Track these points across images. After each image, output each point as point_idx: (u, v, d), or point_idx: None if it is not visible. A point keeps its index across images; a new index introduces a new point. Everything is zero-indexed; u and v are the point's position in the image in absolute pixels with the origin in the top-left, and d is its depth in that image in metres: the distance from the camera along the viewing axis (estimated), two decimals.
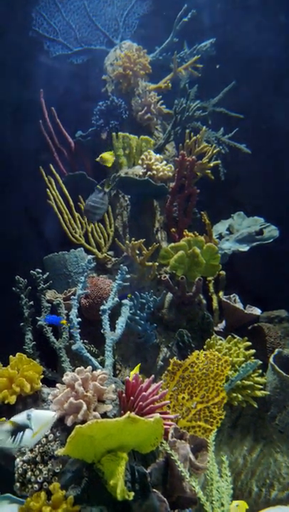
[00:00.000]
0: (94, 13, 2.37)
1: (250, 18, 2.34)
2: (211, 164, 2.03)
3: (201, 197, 2.00)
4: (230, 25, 2.36)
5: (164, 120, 2.33)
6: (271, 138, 2.31)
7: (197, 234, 1.92)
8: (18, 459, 1.19)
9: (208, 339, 1.68)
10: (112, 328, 1.55)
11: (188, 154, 2.00)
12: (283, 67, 2.32)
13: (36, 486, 1.14)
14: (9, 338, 1.78)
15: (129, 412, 1.00)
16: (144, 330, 1.76)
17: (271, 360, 1.59)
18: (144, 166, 2.00)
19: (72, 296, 1.59)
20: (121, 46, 2.36)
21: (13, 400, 1.31)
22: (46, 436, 1.18)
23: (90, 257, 1.78)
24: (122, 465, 1.03)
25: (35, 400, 1.36)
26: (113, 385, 1.28)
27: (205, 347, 1.66)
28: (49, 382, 1.51)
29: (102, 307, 1.56)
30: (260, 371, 1.61)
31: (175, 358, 1.51)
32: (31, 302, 1.76)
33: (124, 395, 1.28)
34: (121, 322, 1.57)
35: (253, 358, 1.59)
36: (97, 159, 1.98)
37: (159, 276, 1.90)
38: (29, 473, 1.15)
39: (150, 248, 1.83)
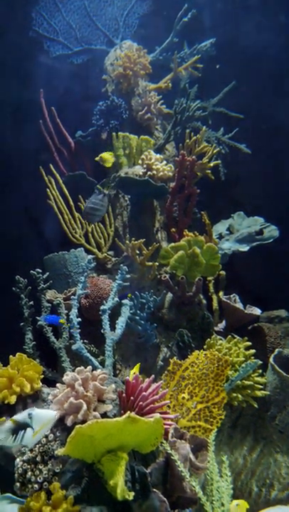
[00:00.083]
0: (94, 13, 2.37)
1: (250, 18, 2.34)
2: (211, 164, 2.03)
3: (201, 197, 2.00)
4: (230, 25, 2.36)
5: (164, 120, 2.33)
6: (271, 138, 2.31)
7: (197, 234, 1.92)
8: (18, 459, 1.19)
9: (208, 339, 1.68)
10: (112, 328, 1.55)
11: (189, 154, 2.00)
12: (283, 67, 2.32)
13: (36, 485, 1.14)
14: (9, 338, 1.78)
15: (129, 412, 1.00)
16: (144, 330, 1.76)
17: (271, 360, 1.59)
18: (144, 165, 2.00)
19: (72, 296, 1.59)
20: (121, 46, 2.36)
21: (13, 399, 1.31)
22: (46, 436, 1.18)
23: (90, 257, 1.78)
24: (122, 465, 1.03)
25: (35, 399, 1.36)
26: (113, 385, 1.28)
27: (205, 347, 1.66)
28: (49, 382, 1.51)
29: (102, 307, 1.56)
30: (260, 371, 1.61)
31: (175, 357, 1.51)
32: (31, 302, 1.76)
33: (124, 394, 1.28)
34: (121, 322, 1.57)
35: (253, 357, 1.59)
36: (97, 159, 1.98)
37: (159, 276, 1.90)
38: (29, 473, 1.15)
39: (150, 248, 1.83)
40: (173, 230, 2.01)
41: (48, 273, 1.84)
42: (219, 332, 1.88)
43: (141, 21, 2.40)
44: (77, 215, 2.04)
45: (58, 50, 2.38)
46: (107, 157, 1.98)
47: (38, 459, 1.17)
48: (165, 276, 1.80)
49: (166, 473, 1.19)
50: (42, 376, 1.41)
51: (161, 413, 1.26)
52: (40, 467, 1.15)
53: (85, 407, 1.17)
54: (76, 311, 1.55)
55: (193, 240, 1.85)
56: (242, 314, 1.82)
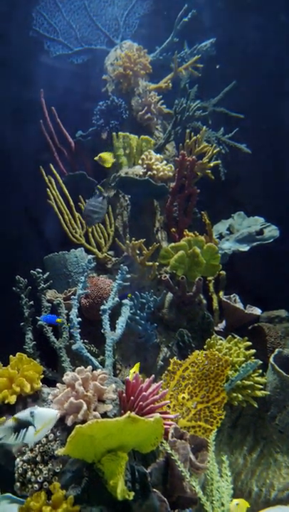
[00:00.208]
0: (94, 13, 2.37)
1: (250, 18, 2.34)
2: (211, 164, 2.03)
3: (201, 197, 2.00)
4: (230, 25, 2.36)
5: (165, 120, 2.33)
6: (271, 138, 2.31)
7: (197, 234, 1.92)
8: (18, 459, 1.19)
9: (209, 339, 1.68)
10: (113, 328, 1.55)
11: (189, 154, 2.00)
12: (283, 67, 2.32)
13: (36, 485, 1.14)
14: (9, 338, 1.78)
15: (129, 412, 1.00)
16: (145, 330, 1.76)
17: (271, 360, 1.59)
18: (145, 165, 2.00)
19: (72, 296, 1.59)
20: (121, 46, 2.36)
21: (13, 399, 1.31)
22: (46, 436, 1.18)
23: (90, 256, 1.78)
24: (122, 465, 1.03)
25: (35, 399, 1.36)
26: (113, 385, 1.28)
27: (205, 347, 1.66)
28: (49, 382, 1.51)
29: (102, 307, 1.56)
30: (261, 371, 1.61)
31: (175, 357, 1.51)
32: (31, 302, 1.76)
33: (124, 394, 1.27)
34: (121, 322, 1.57)
35: (253, 357, 1.59)
36: (96, 158, 1.98)
37: (159, 276, 1.90)
38: (29, 473, 1.15)
39: (150, 248, 1.83)
40: (173, 230, 2.01)
41: (48, 273, 1.84)
42: (219, 332, 1.88)
43: (141, 21, 2.40)
44: (77, 214, 2.04)
45: (58, 50, 2.38)
46: (106, 157, 1.98)
47: (38, 458, 1.17)
48: (165, 276, 1.80)
49: (166, 473, 1.19)
50: (42, 376, 1.41)
51: (161, 413, 1.26)
52: (40, 467, 1.15)
53: (85, 406, 1.17)
54: (76, 310, 1.55)
55: (194, 239, 1.85)
56: (242, 314, 1.82)
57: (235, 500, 1.14)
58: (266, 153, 2.30)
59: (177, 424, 1.31)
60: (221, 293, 1.98)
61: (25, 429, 1.05)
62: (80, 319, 1.53)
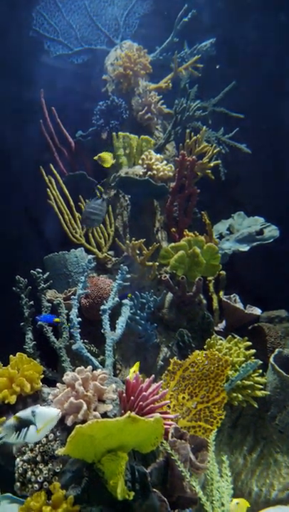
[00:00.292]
0: (94, 13, 2.37)
1: (250, 17, 2.33)
2: (212, 164, 2.03)
3: (201, 197, 2.00)
4: (230, 25, 2.36)
5: (165, 120, 2.33)
6: (271, 138, 2.31)
7: (197, 234, 1.92)
8: (18, 459, 1.19)
9: (209, 339, 1.68)
10: (113, 328, 1.55)
11: (189, 154, 2.00)
12: (283, 67, 2.32)
13: (36, 485, 1.14)
14: (9, 338, 1.78)
15: (129, 412, 1.00)
16: (145, 330, 1.76)
17: (271, 360, 1.59)
18: (145, 165, 2.00)
19: (72, 296, 1.59)
20: (121, 46, 2.36)
21: (13, 399, 1.31)
22: (46, 436, 1.18)
23: (90, 256, 1.78)
24: (122, 465, 1.03)
25: (35, 399, 1.36)
26: (113, 385, 1.28)
27: (205, 347, 1.66)
28: (49, 382, 1.51)
29: (102, 307, 1.56)
30: (261, 371, 1.61)
31: (175, 357, 1.51)
32: (31, 302, 1.76)
33: (124, 394, 1.28)
34: (121, 322, 1.57)
35: (253, 357, 1.59)
36: (95, 158, 1.98)
37: (159, 276, 1.90)
38: (29, 472, 1.15)
39: (150, 248, 1.83)
40: (173, 229, 2.01)
41: (48, 273, 1.84)
42: (219, 332, 1.88)
43: (141, 21, 2.40)
44: (77, 214, 2.04)
45: (58, 50, 2.38)
46: (106, 157, 1.98)
47: (38, 458, 1.17)
48: (165, 276, 1.80)
49: (166, 473, 1.19)
50: (42, 376, 1.41)
51: (161, 413, 1.26)
52: (40, 467, 1.15)
53: (85, 406, 1.17)
54: (76, 310, 1.55)
55: (194, 239, 1.85)
56: (242, 314, 1.82)
57: (236, 500, 1.14)
58: (266, 153, 2.29)
59: (177, 424, 1.31)
60: (221, 293, 1.98)
61: (26, 428, 1.05)
62: (80, 319, 1.53)
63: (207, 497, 1.10)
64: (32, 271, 1.78)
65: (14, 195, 2.17)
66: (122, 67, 2.20)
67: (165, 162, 2.02)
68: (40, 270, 1.80)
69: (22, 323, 1.74)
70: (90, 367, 1.32)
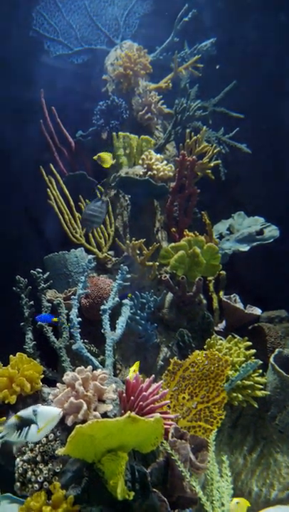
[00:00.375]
0: (94, 13, 2.37)
1: (250, 17, 2.33)
2: (212, 164, 2.03)
3: (201, 197, 2.00)
4: (230, 25, 2.36)
5: (165, 120, 2.33)
6: (271, 138, 2.30)
7: (197, 234, 1.92)
8: (18, 459, 1.19)
9: (209, 339, 1.68)
10: (113, 327, 1.55)
11: (189, 154, 2.00)
12: (283, 67, 2.32)
13: (36, 485, 1.14)
14: (9, 338, 1.78)
15: (129, 412, 1.00)
16: (145, 330, 1.76)
17: (271, 360, 1.59)
18: (145, 165, 2.00)
19: (72, 296, 1.59)
20: (121, 46, 2.36)
21: (13, 399, 1.32)
22: (46, 436, 1.18)
23: (90, 256, 1.78)
24: (122, 465, 1.03)
25: (35, 399, 1.37)
26: (113, 385, 1.28)
27: (205, 347, 1.66)
28: (49, 382, 1.51)
29: (102, 307, 1.56)
30: (261, 371, 1.61)
31: (175, 357, 1.51)
32: (32, 302, 1.76)
33: (124, 394, 1.27)
34: (121, 322, 1.57)
35: (253, 357, 1.59)
36: (95, 157, 1.98)
37: (159, 276, 1.90)
38: (29, 472, 1.15)
39: (150, 248, 1.83)
40: (173, 229, 2.01)
41: (48, 273, 1.84)
42: (219, 332, 1.88)
43: (141, 21, 2.40)
44: (77, 214, 2.04)
45: (58, 50, 2.38)
46: (105, 157, 1.98)
47: (39, 458, 1.17)
48: (165, 276, 1.80)
49: (166, 473, 1.19)
50: (42, 376, 1.41)
51: (161, 413, 1.26)
52: (40, 467, 1.15)
53: (85, 406, 1.17)
54: (76, 310, 1.55)
55: (194, 239, 1.85)
56: (242, 314, 1.82)
57: (236, 499, 1.14)
58: (266, 153, 2.29)
59: (177, 424, 1.31)
60: (221, 293, 1.98)
61: (27, 427, 1.05)
62: (80, 319, 1.53)
63: (207, 497, 1.10)
64: (32, 271, 1.78)
65: (14, 195, 2.17)
66: (122, 67, 2.20)
67: (165, 162, 2.02)
68: (40, 270, 1.80)
69: (22, 323, 1.74)
70: (90, 367, 1.32)
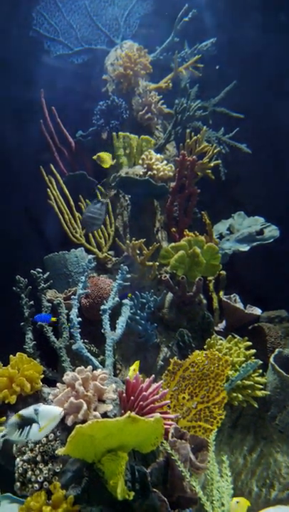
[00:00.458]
0: (95, 13, 2.37)
1: (250, 17, 2.33)
2: (212, 164, 2.03)
3: (201, 197, 2.00)
4: (230, 25, 2.36)
5: (165, 120, 2.33)
6: (271, 138, 2.30)
7: (198, 234, 1.92)
8: (18, 459, 1.19)
9: (209, 339, 1.68)
10: (113, 327, 1.55)
11: (189, 154, 2.00)
12: (283, 67, 2.32)
13: (36, 485, 1.14)
14: (9, 338, 1.78)
15: (129, 412, 1.00)
16: (145, 330, 1.76)
17: (272, 360, 1.59)
18: (145, 165, 2.00)
19: (72, 296, 1.59)
20: (122, 46, 2.36)
21: (13, 399, 1.32)
22: (46, 436, 1.18)
23: (90, 256, 1.78)
24: (122, 465, 1.03)
25: (35, 399, 1.37)
26: (113, 385, 1.28)
27: (205, 347, 1.66)
28: (49, 382, 1.51)
29: (102, 307, 1.56)
30: (261, 371, 1.61)
31: (175, 357, 1.51)
32: (32, 302, 1.76)
33: (124, 394, 1.27)
34: (121, 322, 1.57)
35: (253, 357, 1.59)
36: (94, 157, 1.97)
37: (159, 276, 1.90)
38: (29, 472, 1.15)
39: (150, 248, 1.83)
40: (173, 229, 2.01)
41: (48, 273, 1.84)
42: (219, 332, 1.88)
43: (142, 21, 2.40)
44: (77, 214, 2.04)
45: (58, 50, 2.38)
46: (105, 157, 1.98)
47: (39, 458, 1.17)
48: (165, 276, 1.80)
49: (166, 473, 1.19)
50: (42, 376, 1.41)
51: (161, 413, 1.26)
52: (40, 467, 1.15)
53: (85, 406, 1.17)
54: (76, 310, 1.55)
55: (194, 239, 1.85)
56: (242, 314, 1.82)
57: (236, 499, 1.14)
58: (266, 153, 2.29)
59: (177, 424, 1.31)
60: (221, 293, 1.98)
61: (29, 426, 1.05)
62: (80, 319, 1.53)
63: (207, 497, 1.10)
64: (32, 271, 1.78)
65: (14, 195, 2.17)
66: (123, 67, 2.20)
67: (165, 162, 2.02)
68: (41, 270, 1.80)
69: (22, 323, 1.74)
70: (90, 367, 1.32)
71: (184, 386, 1.43)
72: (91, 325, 1.75)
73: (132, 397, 1.24)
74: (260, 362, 1.54)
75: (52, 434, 1.19)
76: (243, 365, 1.50)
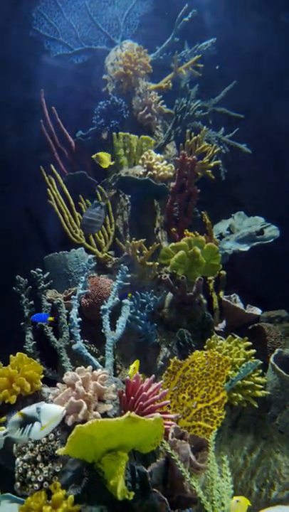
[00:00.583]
0: (95, 13, 2.37)
1: (250, 17, 2.34)
2: (212, 164, 2.03)
3: (201, 197, 2.00)
4: (230, 25, 2.36)
5: (165, 120, 2.33)
6: (271, 138, 2.31)
7: (198, 234, 1.92)
8: (18, 459, 1.19)
9: (209, 339, 1.68)
10: (113, 327, 1.55)
11: (189, 154, 2.00)
12: (283, 67, 2.32)
13: (36, 485, 1.14)
14: (9, 338, 1.78)
15: (129, 412, 1.00)
16: (145, 329, 1.76)
17: (272, 359, 1.59)
18: (145, 165, 2.00)
19: (72, 296, 1.59)
20: (122, 46, 2.36)
21: (13, 399, 1.32)
22: (47, 436, 1.18)
23: (90, 256, 1.78)
24: (122, 465, 1.03)
25: (35, 399, 1.36)
26: (113, 385, 1.28)
27: (205, 347, 1.66)
28: (49, 382, 1.51)
29: (102, 307, 1.56)
30: (261, 371, 1.61)
31: (175, 357, 1.51)
32: (32, 302, 1.76)
33: (124, 394, 1.28)
34: (121, 322, 1.57)
35: (253, 357, 1.59)
36: (93, 157, 1.97)
37: (159, 276, 1.90)
38: (29, 472, 1.15)
39: (151, 248, 1.83)
40: (173, 229, 2.01)
41: (48, 273, 1.84)
42: (219, 332, 1.88)
43: (142, 21, 2.40)
44: (77, 214, 2.04)
45: (58, 50, 2.38)
46: (104, 157, 1.98)
47: (39, 458, 1.17)
48: (165, 276, 1.80)
49: (166, 473, 1.19)
50: (42, 376, 1.41)
51: (161, 413, 1.26)
52: (40, 467, 1.15)
53: (85, 406, 1.17)
54: (76, 310, 1.55)
55: (194, 239, 1.85)
56: (242, 314, 1.82)
57: (236, 498, 1.14)
58: (266, 153, 2.30)
59: (177, 424, 1.31)
60: (221, 293, 1.98)
61: (30, 425, 1.05)
62: (80, 319, 1.53)
63: (207, 497, 1.10)
64: (32, 271, 1.78)
65: (14, 195, 2.17)
66: (123, 67, 2.20)
67: (165, 162, 2.02)
68: (41, 270, 1.80)
69: (22, 323, 1.74)
70: (90, 367, 1.32)
71: (184, 386, 1.43)
72: (91, 325, 1.75)
73: (132, 397, 1.24)
74: (260, 362, 1.54)
75: (52, 434, 1.19)
76: (243, 365, 1.50)
